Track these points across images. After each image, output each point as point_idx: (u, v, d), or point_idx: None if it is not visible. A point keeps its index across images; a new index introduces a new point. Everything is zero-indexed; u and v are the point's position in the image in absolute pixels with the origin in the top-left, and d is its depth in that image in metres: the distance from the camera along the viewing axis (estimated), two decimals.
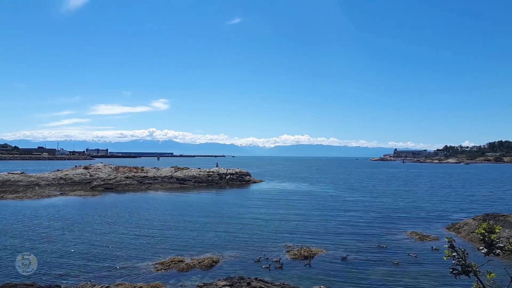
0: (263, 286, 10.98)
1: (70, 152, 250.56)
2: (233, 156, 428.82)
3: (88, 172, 44.26)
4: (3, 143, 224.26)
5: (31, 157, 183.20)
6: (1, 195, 33.56)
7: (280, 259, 14.38)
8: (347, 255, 15.16)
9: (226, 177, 50.29)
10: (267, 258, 14.67)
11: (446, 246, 3.43)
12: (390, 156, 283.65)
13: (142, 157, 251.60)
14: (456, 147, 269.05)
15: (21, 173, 42.33)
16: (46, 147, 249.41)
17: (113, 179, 43.07)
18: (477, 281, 3.33)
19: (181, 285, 11.86)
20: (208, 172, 50.12)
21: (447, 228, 21.16)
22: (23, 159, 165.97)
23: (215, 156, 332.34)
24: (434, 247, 16.57)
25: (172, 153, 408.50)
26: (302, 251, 15.50)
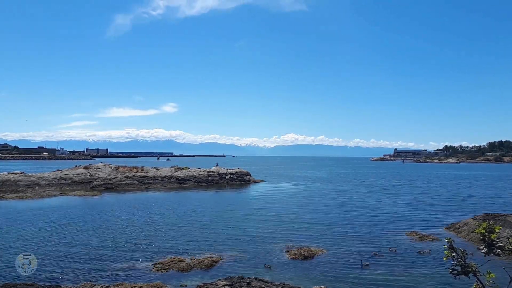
0: (263, 286, 10.98)
1: (70, 152, 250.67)
2: (233, 156, 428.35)
3: (88, 172, 44.26)
4: (3, 143, 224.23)
5: (31, 157, 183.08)
6: (1, 195, 33.54)
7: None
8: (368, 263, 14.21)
9: (226, 177, 50.28)
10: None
11: (446, 246, 3.43)
12: (390, 156, 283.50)
13: (142, 157, 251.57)
14: (456, 147, 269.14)
15: (21, 173, 42.32)
16: (46, 147, 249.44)
17: (113, 179, 43.08)
18: (476, 281, 3.33)
19: (181, 285, 11.87)
20: (208, 172, 50.12)
21: (447, 228, 21.15)
22: (23, 159, 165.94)
23: (215, 156, 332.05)
24: (425, 250, 16.56)
25: (172, 153, 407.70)
26: (302, 251, 15.51)
